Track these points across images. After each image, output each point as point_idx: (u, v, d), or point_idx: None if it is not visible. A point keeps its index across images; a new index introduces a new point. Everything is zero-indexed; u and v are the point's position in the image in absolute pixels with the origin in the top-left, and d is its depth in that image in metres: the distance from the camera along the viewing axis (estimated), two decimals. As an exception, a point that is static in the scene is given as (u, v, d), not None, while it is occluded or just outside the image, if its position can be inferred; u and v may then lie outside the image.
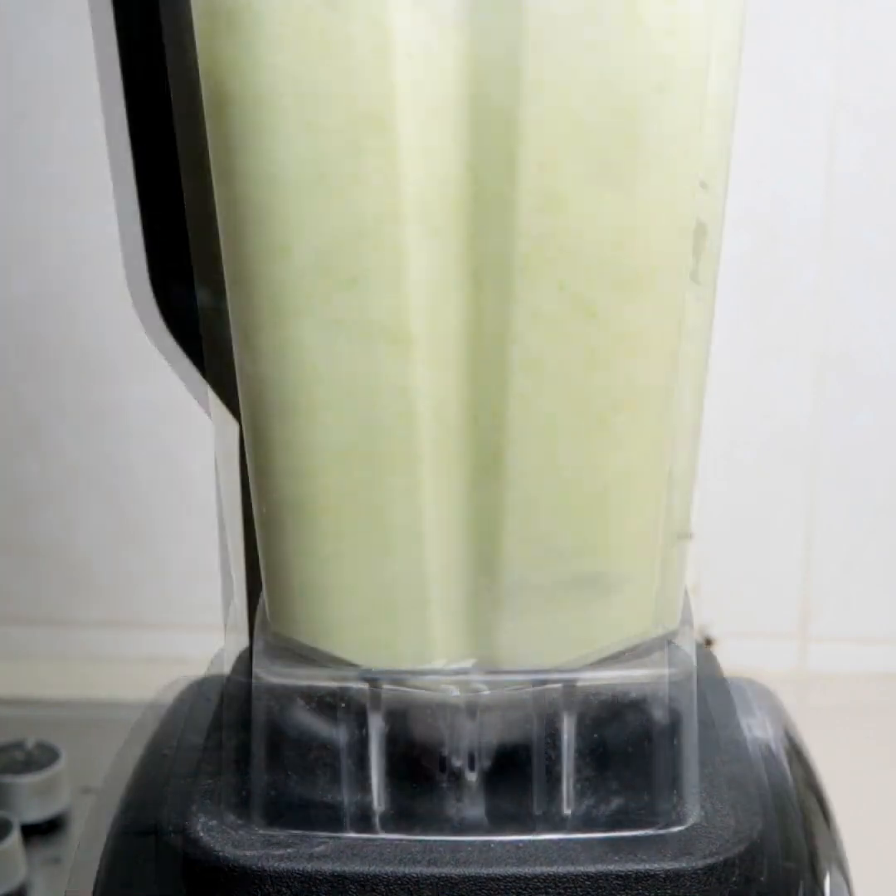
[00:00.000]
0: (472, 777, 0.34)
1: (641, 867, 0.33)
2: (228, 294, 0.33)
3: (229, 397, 0.41)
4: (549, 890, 0.32)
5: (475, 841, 0.33)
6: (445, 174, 0.30)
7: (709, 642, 0.72)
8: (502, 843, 0.33)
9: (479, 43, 0.29)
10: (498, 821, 0.34)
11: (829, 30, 0.65)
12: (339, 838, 0.33)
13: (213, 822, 0.34)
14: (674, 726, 0.33)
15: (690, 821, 0.34)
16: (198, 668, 0.47)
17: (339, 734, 0.33)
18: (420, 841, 0.33)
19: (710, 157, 0.31)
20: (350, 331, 0.31)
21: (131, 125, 0.40)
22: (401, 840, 0.33)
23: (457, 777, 0.34)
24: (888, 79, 0.66)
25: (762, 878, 0.34)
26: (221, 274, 0.37)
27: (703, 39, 0.29)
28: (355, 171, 0.29)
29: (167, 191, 0.40)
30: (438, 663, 0.33)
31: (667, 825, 0.34)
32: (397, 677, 0.33)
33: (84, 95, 0.66)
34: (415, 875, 0.32)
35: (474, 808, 0.34)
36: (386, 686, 0.33)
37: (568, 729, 0.33)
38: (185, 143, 0.39)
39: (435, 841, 0.33)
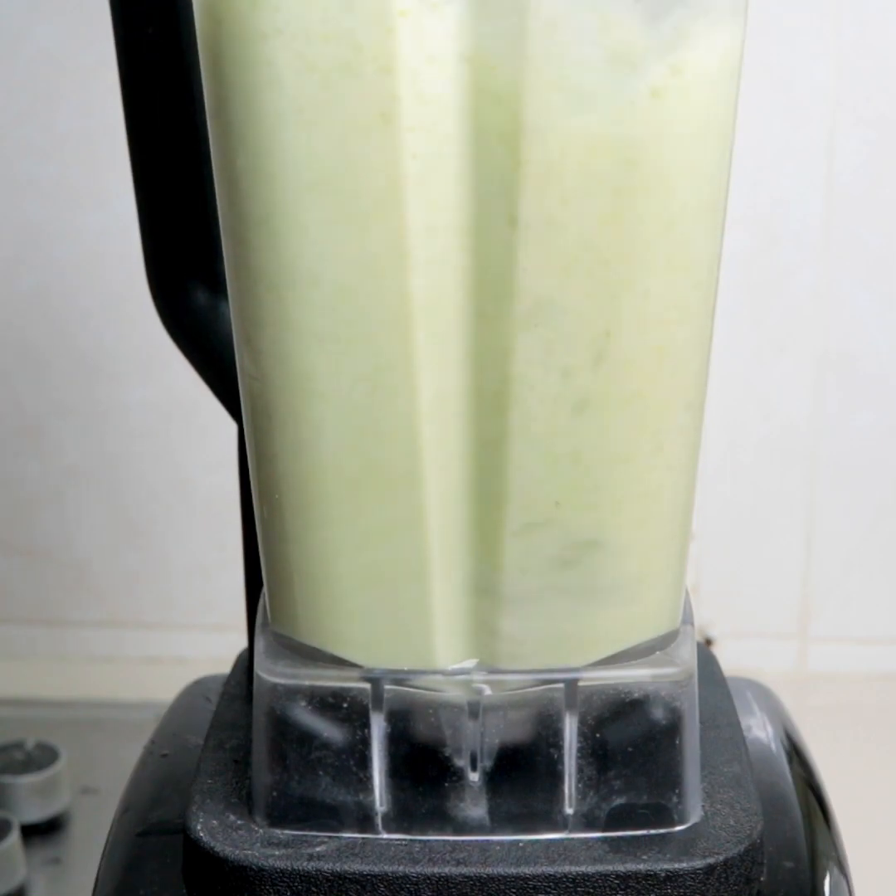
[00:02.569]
0: (474, 777, 0.34)
1: (641, 867, 0.33)
2: (230, 294, 0.33)
3: (229, 397, 0.41)
4: (550, 890, 0.32)
5: (476, 841, 0.33)
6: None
7: (709, 642, 0.72)
8: (503, 843, 0.33)
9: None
10: (499, 821, 0.34)
11: (829, 30, 0.65)
12: (340, 838, 0.33)
13: (214, 822, 0.34)
14: (675, 726, 0.34)
15: (691, 821, 0.34)
16: (196, 669, 0.47)
17: (341, 734, 0.33)
18: (421, 841, 0.33)
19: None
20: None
21: (129, 126, 0.40)
22: (402, 840, 0.33)
23: (459, 777, 0.34)
24: (888, 79, 0.66)
25: (762, 878, 0.34)
26: (221, 273, 0.37)
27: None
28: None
29: (166, 192, 0.40)
30: (440, 663, 0.33)
31: (667, 825, 0.34)
32: (399, 677, 0.33)
33: (84, 95, 0.67)
34: (415, 875, 0.32)
35: (476, 808, 0.34)
36: (388, 686, 0.33)
37: (569, 729, 0.33)
38: (184, 139, 0.39)
39: (436, 841, 0.33)
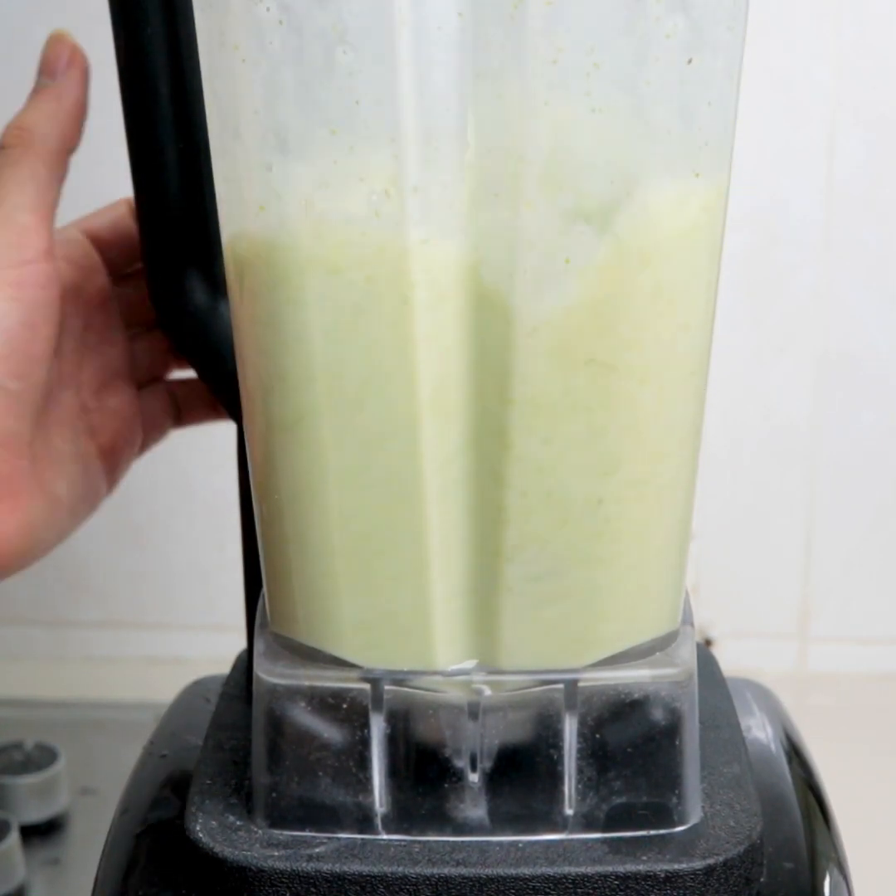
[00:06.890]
0: (473, 778, 0.34)
1: (641, 867, 0.33)
2: (230, 295, 0.33)
3: (229, 397, 0.41)
4: (550, 890, 0.32)
5: (476, 841, 0.33)
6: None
7: (709, 642, 0.72)
8: (503, 844, 0.33)
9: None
10: (499, 821, 0.33)
11: (829, 30, 0.65)
12: (339, 839, 0.33)
13: (213, 823, 0.34)
14: (675, 726, 0.33)
15: (691, 821, 0.34)
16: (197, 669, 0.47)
17: (341, 735, 0.33)
18: (421, 842, 0.33)
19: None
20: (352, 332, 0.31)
21: (129, 125, 0.40)
22: (402, 841, 0.33)
23: (459, 778, 0.34)
24: (888, 79, 0.66)
25: (762, 879, 0.34)
26: (221, 273, 0.37)
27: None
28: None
29: (165, 193, 0.40)
30: (440, 664, 0.33)
31: (667, 825, 0.34)
32: (399, 678, 0.33)
33: (84, 95, 0.66)
34: (415, 875, 0.32)
35: (476, 809, 0.34)
36: (388, 686, 0.33)
37: (569, 729, 0.33)
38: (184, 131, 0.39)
39: (436, 842, 0.33)
